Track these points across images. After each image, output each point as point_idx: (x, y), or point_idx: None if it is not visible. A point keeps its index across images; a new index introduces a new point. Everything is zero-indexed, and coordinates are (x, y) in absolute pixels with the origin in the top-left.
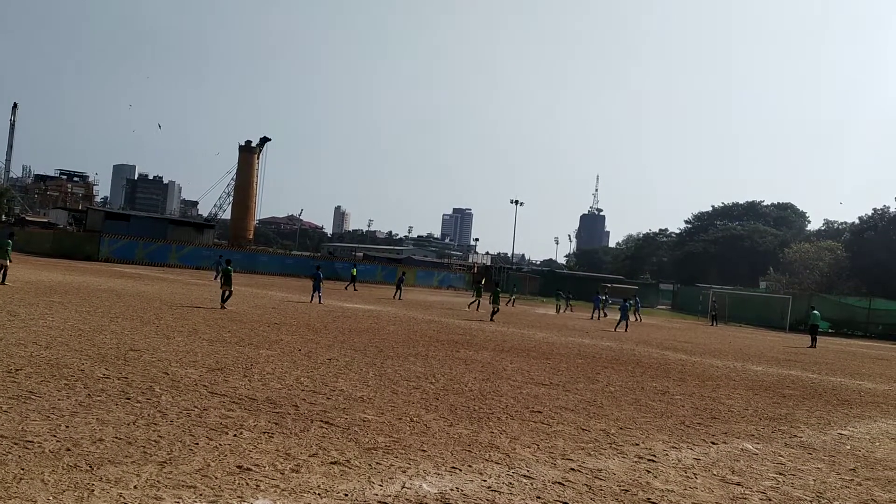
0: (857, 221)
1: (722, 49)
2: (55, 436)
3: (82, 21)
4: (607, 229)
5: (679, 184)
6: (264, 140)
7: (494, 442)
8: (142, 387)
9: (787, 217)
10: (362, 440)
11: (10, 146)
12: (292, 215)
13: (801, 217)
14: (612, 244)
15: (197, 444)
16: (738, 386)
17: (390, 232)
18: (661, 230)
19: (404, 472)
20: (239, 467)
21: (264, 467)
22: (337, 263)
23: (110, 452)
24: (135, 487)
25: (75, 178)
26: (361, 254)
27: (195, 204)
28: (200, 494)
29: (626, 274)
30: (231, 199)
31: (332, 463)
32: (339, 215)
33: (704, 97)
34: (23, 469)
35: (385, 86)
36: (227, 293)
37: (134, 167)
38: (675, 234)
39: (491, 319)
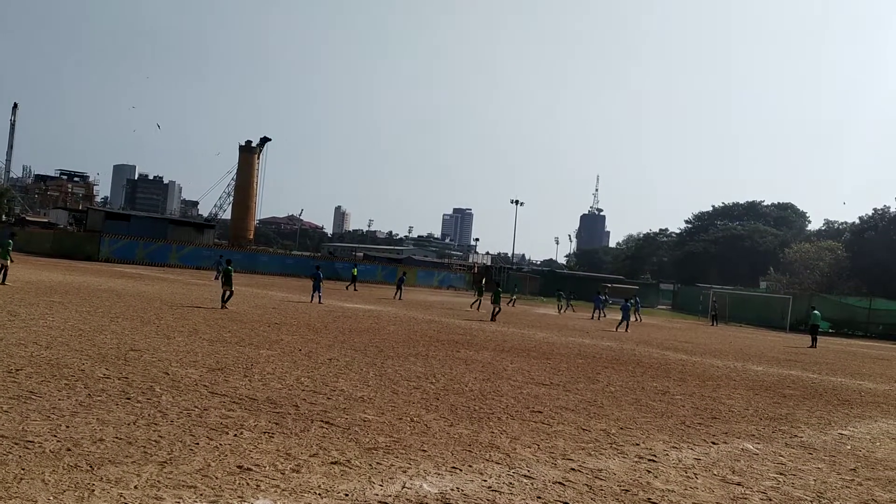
0: (857, 221)
1: (722, 49)
2: (56, 436)
3: (82, 21)
4: (607, 229)
5: (679, 184)
6: (264, 140)
7: (495, 442)
8: (142, 387)
9: (787, 217)
10: (363, 440)
11: (11, 146)
12: (292, 215)
13: (802, 217)
14: (612, 244)
15: (197, 444)
16: (739, 386)
17: (390, 232)
18: (661, 230)
19: (405, 472)
20: (239, 467)
21: (265, 467)
22: (337, 263)
23: (111, 452)
24: (135, 487)
25: (75, 178)
26: (362, 254)
27: (195, 204)
28: (201, 494)
29: (627, 274)
30: (231, 199)
31: (332, 463)
32: (340, 215)
33: (704, 97)
34: (23, 469)
35: (385, 86)
36: (227, 293)
37: (134, 167)
38: (676, 234)
39: (492, 319)
